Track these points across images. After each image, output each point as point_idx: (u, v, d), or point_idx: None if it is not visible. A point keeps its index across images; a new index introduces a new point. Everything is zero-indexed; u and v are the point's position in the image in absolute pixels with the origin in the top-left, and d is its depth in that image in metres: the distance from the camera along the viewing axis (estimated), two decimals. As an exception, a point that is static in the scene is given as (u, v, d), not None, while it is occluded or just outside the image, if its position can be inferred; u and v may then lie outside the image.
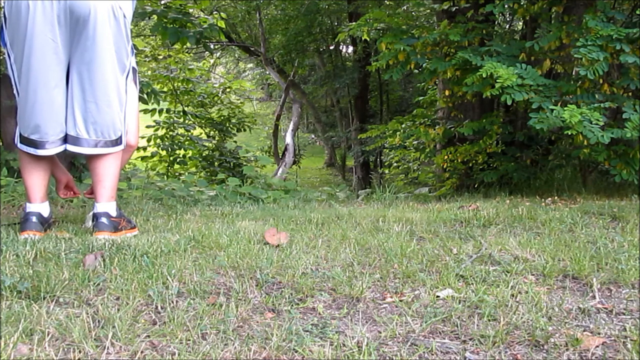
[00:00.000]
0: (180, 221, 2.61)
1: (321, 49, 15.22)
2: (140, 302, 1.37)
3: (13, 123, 4.66)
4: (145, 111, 7.98)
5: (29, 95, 2.12)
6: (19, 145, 2.21)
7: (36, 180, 2.24)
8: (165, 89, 8.96)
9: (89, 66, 2.13)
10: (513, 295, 1.46)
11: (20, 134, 2.20)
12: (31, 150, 2.18)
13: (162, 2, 5.45)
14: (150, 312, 1.32)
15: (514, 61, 3.98)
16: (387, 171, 11.22)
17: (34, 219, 2.19)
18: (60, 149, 2.20)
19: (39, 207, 2.23)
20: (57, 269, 1.57)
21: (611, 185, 4.56)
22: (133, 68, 2.31)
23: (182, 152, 8.80)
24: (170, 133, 8.86)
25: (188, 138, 8.93)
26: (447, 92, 5.16)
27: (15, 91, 2.19)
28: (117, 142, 2.25)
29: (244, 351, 1.12)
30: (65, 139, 2.20)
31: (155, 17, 5.15)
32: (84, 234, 2.19)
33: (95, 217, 2.19)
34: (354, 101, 14.23)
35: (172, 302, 1.38)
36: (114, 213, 2.21)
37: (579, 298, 1.49)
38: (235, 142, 9.57)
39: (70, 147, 2.20)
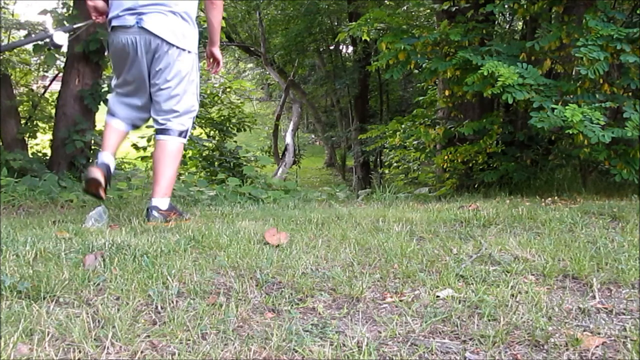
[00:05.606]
0: (180, 221, 2.61)
1: (321, 49, 15.23)
2: (140, 302, 1.37)
3: (13, 123, 4.66)
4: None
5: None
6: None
7: (112, 134, 2.70)
8: (165, 89, 8.93)
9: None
10: (513, 295, 1.46)
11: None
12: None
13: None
14: (150, 312, 1.32)
15: (514, 61, 3.98)
16: (387, 171, 11.20)
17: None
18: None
19: (108, 156, 2.64)
20: (57, 269, 1.57)
21: (611, 185, 4.55)
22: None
23: (182, 152, 8.77)
24: (171, 133, 8.83)
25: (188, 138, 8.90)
26: (447, 92, 5.15)
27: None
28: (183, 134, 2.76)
29: (244, 351, 1.12)
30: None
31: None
32: (84, 234, 2.19)
33: (148, 209, 2.60)
34: (354, 101, 14.24)
35: (172, 302, 1.38)
36: (164, 207, 2.60)
37: (579, 298, 1.48)
38: (235, 142, 9.55)
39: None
